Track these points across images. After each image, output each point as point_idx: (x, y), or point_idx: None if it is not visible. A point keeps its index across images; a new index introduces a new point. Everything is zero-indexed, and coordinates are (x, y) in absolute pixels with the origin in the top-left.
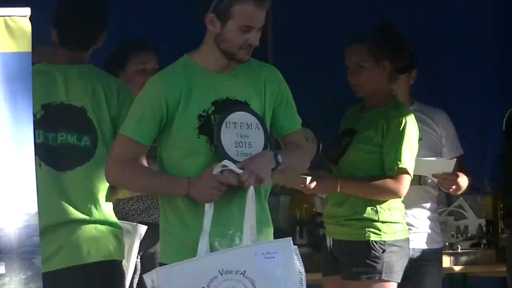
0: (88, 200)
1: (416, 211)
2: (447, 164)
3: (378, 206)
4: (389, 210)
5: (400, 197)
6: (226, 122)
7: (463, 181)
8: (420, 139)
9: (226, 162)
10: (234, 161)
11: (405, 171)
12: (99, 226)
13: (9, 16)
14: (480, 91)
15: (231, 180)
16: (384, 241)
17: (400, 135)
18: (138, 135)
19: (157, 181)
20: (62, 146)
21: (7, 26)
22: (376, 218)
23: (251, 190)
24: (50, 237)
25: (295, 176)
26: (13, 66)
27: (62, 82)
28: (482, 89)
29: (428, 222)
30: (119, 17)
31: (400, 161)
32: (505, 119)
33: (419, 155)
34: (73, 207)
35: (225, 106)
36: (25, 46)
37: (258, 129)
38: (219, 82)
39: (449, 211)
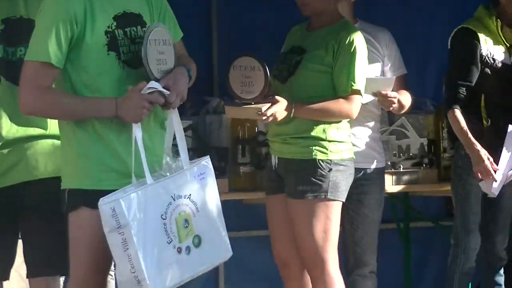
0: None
1: (358, 130)
2: (387, 82)
3: (325, 125)
4: (336, 129)
5: (352, 118)
6: (149, 40)
7: (405, 99)
8: None
9: (153, 83)
10: (157, 80)
11: (357, 92)
12: (56, 142)
13: None
14: (423, 9)
15: (160, 100)
16: (331, 160)
17: (352, 55)
18: (55, 58)
19: (82, 104)
20: (21, 60)
21: None
22: (324, 137)
23: (175, 110)
24: (8, 152)
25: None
26: None
27: None
28: (425, 5)
29: (371, 141)
30: None
31: (353, 82)
32: (450, 38)
33: None
34: (31, 121)
35: (126, 20)
36: None
37: (170, 45)
38: None
39: (391, 131)
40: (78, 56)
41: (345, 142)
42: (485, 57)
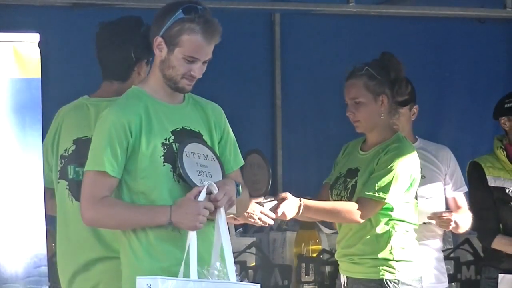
0: (117, 236)
1: (420, 249)
2: (434, 205)
3: (391, 246)
4: (402, 249)
5: (359, 223)
6: (185, 152)
7: (464, 218)
8: (423, 177)
9: (209, 185)
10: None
11: (379, 200)
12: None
13: (17, 41)
14: (490, 130)
15: (211, 206)
16: (398, 280)
17: (387, 164)
18: (111, 168)
19: (137, 213)
20: None
21: (15, 52)
22: (391, 258)
23: (222, 210)
24: (85, 274)
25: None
26: (22, 93)
27: (93, 115)
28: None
29: (434, 261)
30: None
31: (382, 192)
32: (466, 171)
33: (423, 193)
34: (103, 243)
35: (183, 136)
36: (34, 72)
37: (214, 160)
38: (173, 111)
39: (455, 251)
40: (135, 165)
41: (412, 261)
42: (494, 188)
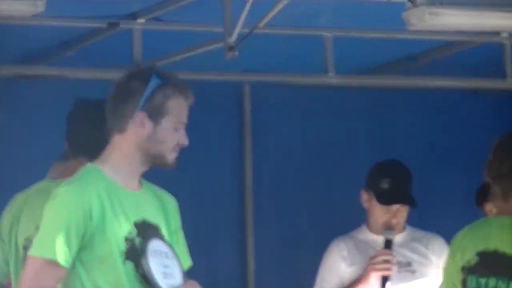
0: None
1: None
2: None
3: None
4: None
5: None
6: (149, 250)
7: None
8: (414, 272)
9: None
10: None
11: None
12: None
13: None
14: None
15: None
16: None
17: None
18: (64, 258)
19: None
20: None
21: None
22: None
23: None
24: None
25: None
26: None
27: None
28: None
29: None
30: None
31: None
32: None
33: None
34: None
35: (145, 229)
36: None
37: (173, 259)
38: (133, 199)
39: None
40: (91, 257)
41: None
42: None
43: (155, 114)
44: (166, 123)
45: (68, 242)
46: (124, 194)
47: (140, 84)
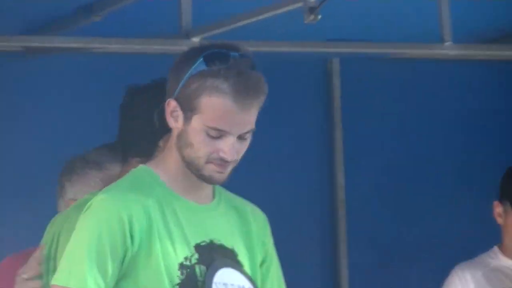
0: None
1: None
2: None
3: None
4: None
5: None
6: (215, 283)
7: None
8: None
9: None
10: None
11: None
12: None
13: None
14: None
15: None
16: None
17: None
18: (95, 284)
19: None
20: None
21: None
22: None
23: None
24: None
25: None
26: None
27: None
28: None
29: None
30: None
31: None
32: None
33: None
34: None
35: (211, 254)
36: None
37: None
38: (197, 214)
39: None
40: (133, 284)
41: None
42: None
43: (185, 106)
44: (196, 123)
45: (101, 269)
46: (186, 207)
47: (185, 65)
